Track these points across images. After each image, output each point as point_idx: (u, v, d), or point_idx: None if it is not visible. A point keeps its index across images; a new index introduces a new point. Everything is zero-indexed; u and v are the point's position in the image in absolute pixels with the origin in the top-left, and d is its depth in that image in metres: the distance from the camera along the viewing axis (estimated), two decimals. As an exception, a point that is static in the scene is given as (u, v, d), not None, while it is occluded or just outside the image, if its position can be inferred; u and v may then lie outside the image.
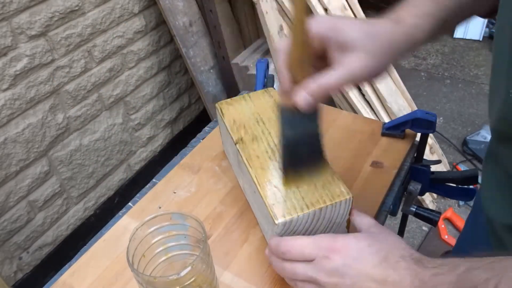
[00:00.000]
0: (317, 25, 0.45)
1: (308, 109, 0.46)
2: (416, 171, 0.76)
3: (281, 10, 1.65)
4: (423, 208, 0.78)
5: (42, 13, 1.34)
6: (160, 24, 1.78)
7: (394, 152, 0.74)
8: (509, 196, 0.51)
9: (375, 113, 1.76)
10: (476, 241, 0.68)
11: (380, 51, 0.44)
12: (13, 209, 1.42)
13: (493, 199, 0.56)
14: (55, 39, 1.41)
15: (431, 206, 1.80)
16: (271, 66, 1.66)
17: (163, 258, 0.54)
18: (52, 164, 1.51)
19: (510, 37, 0.41)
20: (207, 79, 1.83)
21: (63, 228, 1.62)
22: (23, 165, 1.42)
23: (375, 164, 0.71)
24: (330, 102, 1.82)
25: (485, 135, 2.05)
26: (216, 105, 0.70)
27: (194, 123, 2.13)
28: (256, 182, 0.55)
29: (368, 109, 1.74)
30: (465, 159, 2.02)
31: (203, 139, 0.82)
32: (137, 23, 1.68)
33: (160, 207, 0.68)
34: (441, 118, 2.26)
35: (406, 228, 1.05)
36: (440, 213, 0.78)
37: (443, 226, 1.73)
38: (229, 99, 0.70)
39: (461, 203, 1.83)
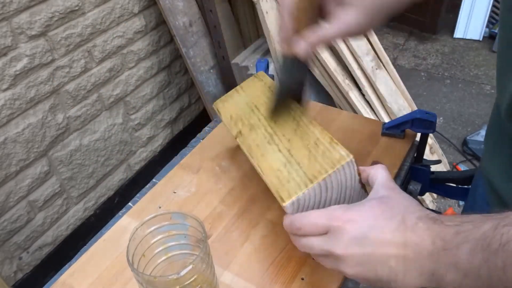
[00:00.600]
0: None
1: (306, 56, 0.51)
2: (416, 171, 0.76)
3: (281, 10, 1.64)
4: (423, 208, 0.78)
5: (42, 13, 1.34)
6: (160, 24, 1.78)
7: (394, 152, 0.74)
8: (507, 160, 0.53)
9: (375, 113, 1.76)
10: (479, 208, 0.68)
11: (375, 7, 0.48)
12: (13, 209, 1.42)
13: (496, 166, 0.57)
14: (55, 39, 1.41)
15: (431, 206, 1.80)
16: (271, 66, 1.66)
17: (163, 258, 0.54)
18: (52, 164, 1.51)
19: None
20: (207, 79, 1.83)
21: (63, 228, 1.62)
22: (23, 165, 1.42)
23: (375, 164, 0.71)
24: (330, 102, 1.82)
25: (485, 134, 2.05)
26: (213, 105, 0.70)
27: (194, 123, 2.13)
28: (260, 171, 0.54)
29: (368, 109, 1.75)
30: (465, 159, 2.02)
31: (203, 139, 0.82)
32: (137, 23, 1.68)
33: (160, 207, 0.68)
34: (441, 118, 2.26)
35: (406, 228, 1.06)
36: (440, 213, 0.78)
37: (443, 226, 1.72)
38: (223, 96, 0.70)
39: (461, 203, 1.83)
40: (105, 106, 1.65)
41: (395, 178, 0.70)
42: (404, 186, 0.76)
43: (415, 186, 0.76)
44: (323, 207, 0.51)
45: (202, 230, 0.48)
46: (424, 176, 0.76)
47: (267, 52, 1.76)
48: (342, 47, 1.67)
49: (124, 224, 0.66)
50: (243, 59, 1.74)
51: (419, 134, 0.75)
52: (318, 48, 0.51)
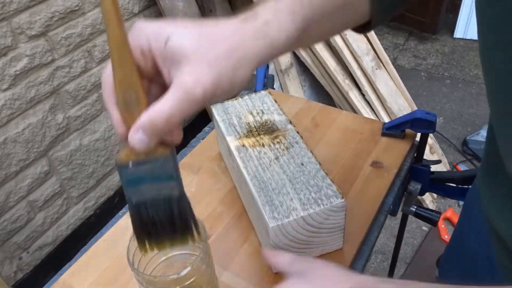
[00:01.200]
0: (136, 36, 0.34)
1: (147, 150, 0.35)
2: (416, 171, 0.76)
3: (281, 10, 1.64)
4: (423, 208, 0.78)
5: (42, 13, 1.34)
6: (160, 24, 1.78)
7: (394, 152, 0.74)
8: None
9: (375, 113, 1.76)
10: (472, 236, 0.67)
11: (224, 58, 0.33)
12: (13, 209, 1.42)
13: (499, 212, 0.51)
14: (55, 39, 1.41)
15: (431, 206, 1.80)
16: (271, 66, 1.66)
17: (163, 258, 0.54)
18: (52, 164, 1.51)
19: None
20: (207, 79, 1.83)
21: (63, 228, 1.62)
22: (23, 165, 1.42)
23: (375, 164, 0.71)
24: (330, 102, 1.82)
25: (485, 135, 2.04)
26: (212, 107, 0.70)
27: (194, 123, 2.13)
28: (253, 190, 0.55)
29: (368, 109, 1.75)
30: (465, 159, 2.02)
31: (203, 139, 0.82)
32: (137, 23, 1.68)
33: (160, 207, 0.68)
34: (441, 118, 2.26)
35: (406, 228, 1.05)
36: (440, 213, 0.78)
37: (443, 226, 1.73)
38: (224, 101, 0.71)
39: (461, 203, 1.83)
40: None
41: (395, 178, 0.70)
42: (404, 186, 0.76)
43: (415, 186, 0.76)
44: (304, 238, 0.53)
45: (202, 230, 0.48)
46: (424, 176, 0.76)
47: (267, 52, 1.76)
48: (342, 47, 1.68)
49: (124, 224, 0.66)
50: (243, 59, 1.74)
51: (419, 134, 0.75)
52: (160, 134, 0.35)
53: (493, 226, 0.53)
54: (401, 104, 1.79)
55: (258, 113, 0.67)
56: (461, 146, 2.08)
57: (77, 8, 1.44)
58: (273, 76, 0.87)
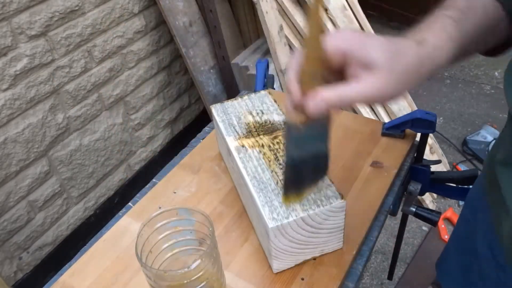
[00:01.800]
0: (339, 40, 0.43)
1: (319, 115, 0.43)
2: (416, 171, 0.76)
3: (281, 10, 1.65)
4: (423, 208, 0.78)
5: (42, 13, 1.34)
6: (160, 24, 1.78)
7: (394, 152, 0.74)
8: None
9: (375, 113, 1.76)
10: (477, 235, 0.67)
11: (405, 72, 0.42)
12: (13, 209, 1.42)
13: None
14: (55, 39, 1.41)
15: (431, 206, 1.80)
16: (271, 66, 1.66)
17: (169, 254, 0.54)
18: (52, 164, 1.51)
19: None
20: (207, 79, 1.83)
21: (63, 228, 1.62)
22: (23, 165, 1.42)
23: (375, 164, 0.71)
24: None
25: (485, 135, 2.05)
26: (211, 107, 0.70)
27: (194, 123, 2.13)
28: (252, 191, 0.55)
29: (368, 109, 1.75)
30: (465, 159, 2.02)
31: (203, 139, 0.82)
32: (137, 23, 1.68)
33: (160, 207, 0.68)
34: (441, 118, 2.26)
35: (406, 228, 1.05)
36: (440, 213, 0.78)
37: (443, 226, 1.73)
38: (224, 101, 0.71)
39: (461, 203, 1.83)
40: (105, 106, 1.65)
41: (395, 178, 0.71)
42: (404, 186, 0.76)
43: (415, 186, 0.76)
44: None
45: (209, 224, 0.49)
46: (424, 176, 0.76)
47: (267, 52, 1.76)
48: (342, 47, 1.67)
49: (124, 224, 0.66)
50: (243, 59, 1.74)
51: (419, 134, 0.75)
52: (334, 108, 0.43)
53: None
54: (401, 104, 1.79)
55: (257, 113, 0.67)
56: (461, 146, 2.08)
57: (77, 8, 1.44)
58: (273, 76, 0.87)
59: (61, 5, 1.39)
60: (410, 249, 1.69)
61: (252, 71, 1.70)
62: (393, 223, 1.74)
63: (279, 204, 0.52)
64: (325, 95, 0.42)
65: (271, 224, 0.50)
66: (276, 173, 0.56)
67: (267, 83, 0.86)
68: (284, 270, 0.57)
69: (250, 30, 1.92)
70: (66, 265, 0.62)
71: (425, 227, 1.76)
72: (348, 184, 0.68)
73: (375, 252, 1.69)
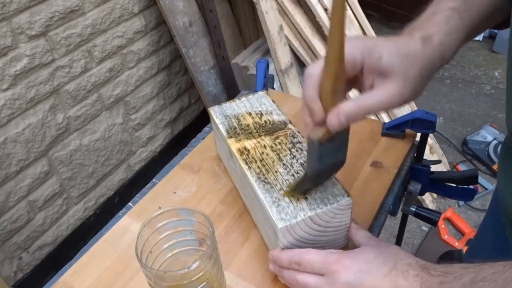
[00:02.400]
0: (350, 49, 0.43)
1: (340, 128, 0.44)
2: (416, 171, 0.76)
3: (281, 10, 1.65)
4: (423, 208, 0.78)
5: (42, 13, 1.34)
6: (160, 24, 1.78)
7: (394, 152, 0.74)
8: None
9: (375, 113, 1.76)
10: (491, 242, 0.68)
11: (419, 76, 0.43)
12: (13, 209, 1.42)
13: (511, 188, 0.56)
14: (55, 39, 1.41)
15: (431, 206, 1.80)
16: (271, 66, 1.66)
17: (169, 254, 0.54)
18: (52, 164, 1.51)
19: None
20: (207, 79, 1.83)
21: (63, 228, 1.62)
22: (23, 165, 1.42)
23: (375, 164, 0.71)
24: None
25: (485, 135, 2.05)
26: (209, 109, 0.70)
27: (194, 123, 2.13)
28: (258, 192, 0.55)
29: (368, 109, 1.74)
30: (465, 159, 2.02)
31: (203, 139, 0.82)
32: (137, 23, 1.68)
33: (160, 207, 0.68)
34: (441, 118, 2.26)
35: (406, 228, 1.05)
36: (440, 213, 0.78)
37: (443, 226, 1.73)
38: (222, 103, 0.70)
39: (461, 203, 1.83)
40: (105, 106, 1.65)
41: (395, 178, 0.70)
42: (404, 186, 0.76)
43: (415, 186, 0.76)
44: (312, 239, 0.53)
45: (209, 225, 0.49)
46: (424, 176, 0.76)
47: (267, 52, 1.76)
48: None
49: (124, 224, 0.66)
50: (243, 59, 1.74)
51: (419, 134, 0.75)
52: (355, 121, 0.44)
53: (507, 211, 0.55)
54: (401, 104, 1.79)
55: (257, 114, 0.67)
56: (461, 146, 2.08)
57: (77, 8, 1.44)
58: (273, 76, 0.87)
59: (61, 5, 1.39)
60: (410, 249, 1.69)
61: (252, 71, 1.70)
62: (393, 223, 1.74)
63: (286, 204, 0.52)
64: (346, 109, 0.43)
65: (280, 224, 0.50)
66: (280, 173, 0.56)
67: (267, 83, 0.86)
68: (284, 270, 0.57)
69: (250, 30, 1.92)
70: (66, 265, 0.62)
71: (425, 227, 1.76)
72: (348, 184, 0.68)
73: (375, 252, 1.68)
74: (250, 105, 0.69)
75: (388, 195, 0.68)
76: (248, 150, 0.61)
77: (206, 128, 0.87)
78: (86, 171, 1.64)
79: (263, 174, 0.56)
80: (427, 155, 1.76)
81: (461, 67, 2.62)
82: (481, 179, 1.89)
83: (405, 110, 1.79)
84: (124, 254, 0.62)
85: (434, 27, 0.45)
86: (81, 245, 0.64)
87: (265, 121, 0.65)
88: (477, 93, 2.41)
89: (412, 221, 1.74)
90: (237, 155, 0.60)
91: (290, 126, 0.64)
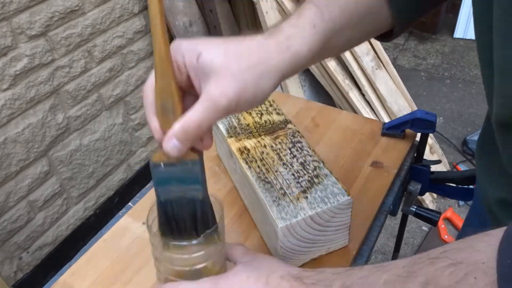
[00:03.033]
0: (174, 52, 0.38)
1: (179, 155, 0.38)
2: (416, 171, 0.76)
3: (281, 10, 1.65)
4: (423, 208, 0.78)
5: (42, 13, 1.34)
6: (160, 24, 1.78)
7: (394, 152, 0.74)
8: (499, 172, 0.52)
9: (375, 113, 1.76)
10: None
11: (248, 71, 0.37)
12: (13, 209, 1.42)
13: (487, 177, 0.56)
14: (55, 39, 1.41)
15: (431, 206, 1.80)
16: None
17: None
18: (52, 164, 1.51)
19: None
20: (207, 79, 1.83)
21: (63, 228, 1.62)
22: (23, 165, 1.42)
23: (375, 164, 0.71)
24: (330, 102, 1.82)
25: (485, 135, 2.05)
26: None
27: (194, 123, 2.13)
28: (258, 192, 0.55)
29: (368, 109, 1.75)
30: (465, 159, 2.02)
31: (203, 139, 0.82)
32: (137, 23, 1.68)
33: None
34: (441, 118, 2.26)
35: (406, 228, 1.05)
36: (440, 213, 0.78)
37: (443, 226, 1.73)
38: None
39: (461, 203, 1.83)
40: (105, 106, 1.65)
41: (395, 178, 0.70)
42: (404, 186, 0.76)
43: (415, 186, 0.76)
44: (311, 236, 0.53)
45: (219, 208, 0.48)
46: (424, 176, 0.76)
47: (267, 52, 1.76)
48: (342, 47, 1.67)
49: (124, 224, 0.66)
50: (243, 59, 1.74)
51: (419, 134, 0.75)
52: (192, 140, 0.38)
53: (485, 200, 0.56)
54: (401, 104, 1.79)
55: (257, 114, 0.67)
56: (461, 146, 2.08)
57: (77, 8, 1.44)
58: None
59: (61, 5, 1.39)
60: (410, 249, 1.69)
61: (252, 71, 1.70)
62: (393, 223, 1.74)
63: (286, 203, 0.52)
64: (175, 132, 0.37)
65: (280, 223, 0.50)
66: (280, 172, 0.56)
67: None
68: (284, 270, 0.57)
69: (250, 30, 1.92)
70: (66, 265, 0.62)
71: (425, 227, 1.76)
72: (348, 184, 0.68)
73: (375, 252, 1.69)
74: None
75: (388, 195, 0.68)
76: (248, 150, 0.61)
77: (206, 128, 0.87)
78: (86, 171, 1.64)
79: (263, 174, 0.56)
80: (427, 155, 1.76)
81: (461, 67, 2.62)
82: (481, 179, 1.88)
83: (405, 110, 1.79)
84: (124, 254, 0.62)
85: (286, 23, 0.41)
86: (81, 245, 0.64)
87: (265, 121, 0.65)
88: (477, 93, 2.41)
89: (412, 221, 1.74)
90: (237, 154, 0.60)
91: (290, 125, 0.64)
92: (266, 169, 0.57)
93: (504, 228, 0.30)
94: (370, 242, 0.62)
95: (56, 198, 1.56)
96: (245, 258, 0.47)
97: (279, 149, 0.60)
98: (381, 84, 1.73)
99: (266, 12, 1.56)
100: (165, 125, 0.38)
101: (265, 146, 0.61)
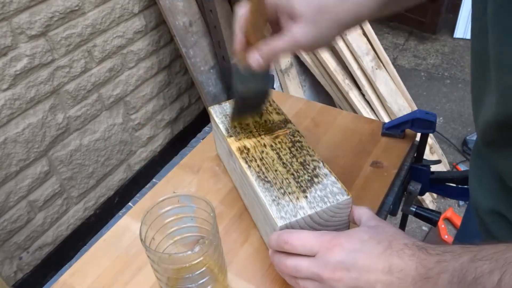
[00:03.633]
0: None
1: (259, 68, 0.51)
2: (416, 171, 0.76)
3: (281, 10, 1.64)
4: (423, 208, 0.78)
5: (42, 13, 1.34)
6: (160, 24, 1.78)
7: (394, 152, 0.74)
8: (490, 182, 0.52)
9: (375, 113, 1.76)
10: (470, 236, 0.68)
11: (325, 25, 0.47)
12: (13, 209, 1.42)
13: (477, 185, 0.57)
14: (55, 39, 1.41)
15: (431, 206, 1.80)
16: (271, 66, 1.66)
17: (170, 242, 0.55)
18: (52, 164, 1.51)
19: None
20: (207, 79, 1.83)
21: (63, 228, 1.62)
22: (23, 165, 1.42)
23: (375, 164, 0.72)
24: (330, 102, 1.82)
25: (485, 135, 2.05)
26: (209, 109, 0.70)
27: (194, 123, 2.13)
28: (258, 191, 0.55)
29: (368, 109, 1.75)
30: (465, 159, 2.02)
31: (203, 139, 0.82)
32: (137, 23, 1.68)
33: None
34: (441, 118, 2.26)
35: (406, 228, 1.06)
36: (440, 213, 0.78)
37: (443, 226, 1.73)
38: (222, 102, 0.71)
39: (461, 203, 1.83)
40: (105, 106, 1.65)
41: (395, 178, 0.71)
42: (404, 186, 0.76)
43: (415, 186, 0.76)
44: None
45: (210, 210, 0.50)
46: (424, 176, 0.76)
47: (267, 52, 1.76)
48: (342, 47, 1.68)
49: (124, 224, 0.66)
50: (243, 59, 1.74)
51: (419, 134, 0.75)
52: (271, 60, 0.51)
53: (476, 207, 0.56)
54: (401, 104, 1.79)
55: (257, 114, 0.67)
56: (461, 146, 2.08)
57: (77, 8, 1.44)
58: (273, 76, 0.87)
59: (61, 5, 1.39)
60: (410, 249, 1.69)
61: (252, 71, 1.70)
62: (393, 223, 1.74)
63: (286, 203, 0.52)
64: (260, 51, 0.50)
65: (280, 222, 0.50)
66: (280, 172, 0.56)
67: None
68: (284, 270, 0.57)
69: (250, 30, 1.92)
70: (66, 265, 0.62)
71: (425, 227, 1.76)
72: (348, 184, 0.68)
73: (375, 252, 1.68)
74: None
75: (388, 195, 0.68)
76: (248, 149, 0.61)
77: (206, 128, 0.87)
78: (86, 171, 1.64)
79: (263, 173, 0.57)
80: (427, 155, 1.76)
81: (461, 67, 2.62)
82: (481, 179, 1.88)
83: (405, 110, 1.79)
84: (124, 254, 0.62)
85: None
86: (81, 245, 0.64)
87: (265, 120, 0.65)
88: (477, 93, 2.41)
89: (412, 221, 1.75)
90: (237, 154, 0.60)
91: (290, 125, 0.64)
92: (266, 169, 0.57)
93: None
94: (370, 242, 0.62)
95: (56, 198, 1.56)
96: (370, 222, 0.48)
97: (279, 148, 0.60)
98: (381, 84, 1.73)
99: (266, 12, 1.56)
100: (252, 40, 0.52)
101: (264, 145, 0.61)
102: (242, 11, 0.51)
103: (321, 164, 0.57)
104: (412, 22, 2.88)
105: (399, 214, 0.82)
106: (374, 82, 1.71)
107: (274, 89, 0.60)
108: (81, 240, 1.64)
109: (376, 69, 1.73)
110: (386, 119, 1.76)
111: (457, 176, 0.81)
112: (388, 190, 0.68)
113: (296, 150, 0.59)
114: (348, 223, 0.55)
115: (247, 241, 0.62)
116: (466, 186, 0.79)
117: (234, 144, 0.62)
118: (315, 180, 0.54)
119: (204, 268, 0.49)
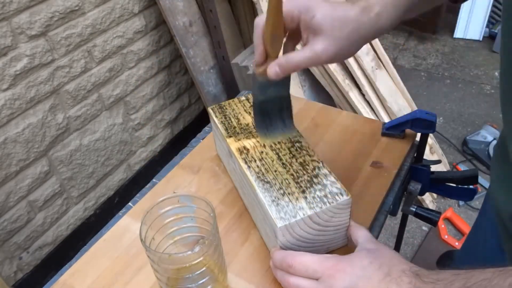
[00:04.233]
0: (291, 5, 0.49)
1: (277, 79, 0.52)
2: (416, 171, 0.76)
3: (281, 10, 1.64)
4: (423, 208, 0.78)
5: (42, 13, 1.34)
6: (160, 24, 1.78)
7: (394, 152, 0.74)
8: None
9: (375, 113, 1.76)
10: (484, 241, 0.68)
11: (346, 38, 0.48)
12: (13, 209, 1.42)
13: (502, 190, 0.57)
14: (55, 39, 1.41)
15: (431, 206, 1.80)
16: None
17: (171, 242, 0.55)
18: (52, 164, 1.51)
19: None
20: (207, 79, 1.83)
21: (63, 228, 1.62)
22: (23, 165, 1.42)
23: (375, 164, 0.71)
24: (330, 102, 1.82)
25: (485, 135, 2.05)
26: (209, 109, 0.70)
27: (194, 123, 2.13)
28: (258, 192, 0.55)
29: (368, 109, 1.74)
30: (465, 159, 2.02)
31: (203, 139, 0.82)
32: (137, 23, 1.68)
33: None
34: (441, 118, 2.26)
35: (406, 228, 1.05)
36: (440, 213, 0.78)
37: (443, 226, 1.73)
38: (222, 103, 0.71)
39: (461, 203, 1.83)
40: (105, 106, 1.65)
41: (395, 178, 0.71)
42: (404, 186, 0.76)
43: (415, 186, 0.76)
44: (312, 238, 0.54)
45: (210, 210, 0.50)
46: (424, 176, 0.76)
47: (267, 52, 1.76)
48: (342, 47, 1.67)
49: (124, 224, 0.66)
50: (243, 59, 1.74)
51: (419, 134, 0.75)
52: (290, 73, 0.52)
53: (499, 212, 0.55)
54: (401, 104, 1.79)
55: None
56: (461, 146, 2.08)
57: (77, 8, 1.44)
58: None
59: (61, 5, 1.39)
60: (410, 249, 1.69)
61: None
62: (393, 223, 1.74)
63: (286, 203, 0.52)
64: (279, 63, 0.50)
65: (279, 223, 0.50)
66: (279, 172, 0.56)
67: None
68: (284, 270, 0.57)
69: (250, 30, 1.92)
70: (66, 265, 0.62)
71: (425, 227, 1.76)
72: (348, 184, 0.68)
73: (375, 252, 1.68)
74: (249, 104, 0.69)
75: (388, 195, 0.68)
76: (248, 149, 0.61)
77: (206, 128, 0.87)
78: (86, 171, 1.64)
79: (263, 174, 0.56)
80: (427, 155, 1.76)
81: (461, 67, 2.62)
82: (481, 179, 1.89)
83: (405, 110, 1.79)
84: (124, 254, 0.62)
85: None
86: (81, 245, 0.64)
87: None
88: (477, 93, 2.41)
89: (412, 221, 1.75)
90: (237, 154, 0.60)
91: None
92: (266, 169, 0.57)
93: None
94: (370, 242, 0.62)
95: (56, 198, 1.56)
96: (369, 244, 0.50)
97: (278, 148, 0.60)
98: (381, 84, 1.73)
99: (266, 12, 1.56)
100: (271, 52, 0.52)
101: (264, 146, 0.61)
102: (260, 22, 0.51)
103: (320, 165, 0.57)
104: (412, 22, 2.88)
105: (399, 214, 0.82)
106: (374, 82, 1.71)
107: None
108: (81, 240, 1.64)
109: (376, 69, 1.73)
110: (386, 119, 1.76)
111: (457, 176, 0.81)
112: (388, 190, 0.68)
113: (296, 150, 0.59)
114: (347, 224, 0.55)
115: (247, 241, 0.62)
116: (466, 186, 0.79)
117: (233, 144, 0.62)
118: (315, 180, 0.54)
119: (204, 268, 0.49)
